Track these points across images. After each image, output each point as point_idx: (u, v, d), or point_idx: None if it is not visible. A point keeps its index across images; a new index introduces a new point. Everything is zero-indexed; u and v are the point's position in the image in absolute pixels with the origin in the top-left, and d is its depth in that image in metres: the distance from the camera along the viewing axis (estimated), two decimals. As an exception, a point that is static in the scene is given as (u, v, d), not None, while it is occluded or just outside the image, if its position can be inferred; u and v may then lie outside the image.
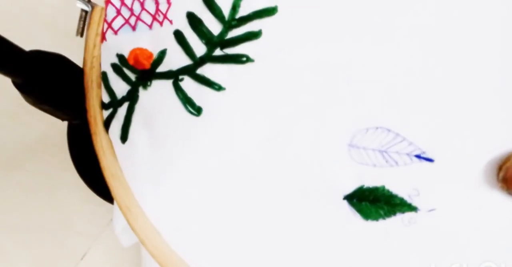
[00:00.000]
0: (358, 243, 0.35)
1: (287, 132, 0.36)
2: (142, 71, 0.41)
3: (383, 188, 0.34)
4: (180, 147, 0.39)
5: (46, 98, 0.45)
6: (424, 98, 0.33)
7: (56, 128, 0.70)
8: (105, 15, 0.43)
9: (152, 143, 0.41)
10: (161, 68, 0.40)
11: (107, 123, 0.43)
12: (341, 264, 0.35)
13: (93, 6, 0.44)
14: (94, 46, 0.43)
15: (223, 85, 0.38)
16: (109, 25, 0.42)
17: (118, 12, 0.42)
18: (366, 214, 0.35)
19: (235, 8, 0.37)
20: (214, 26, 0.38)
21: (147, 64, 0.40)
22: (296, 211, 0.36)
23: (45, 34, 0.70)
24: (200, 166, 0.39)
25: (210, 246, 0.39)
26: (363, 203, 0.35)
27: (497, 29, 0.32)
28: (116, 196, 0.42)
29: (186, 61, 0.39)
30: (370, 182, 0.34)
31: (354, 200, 0.35)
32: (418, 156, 0.33)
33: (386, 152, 0.34)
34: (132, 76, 0.41)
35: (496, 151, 0.31)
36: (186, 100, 0.39)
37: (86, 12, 0.44)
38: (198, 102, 0.38)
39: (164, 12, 0.40)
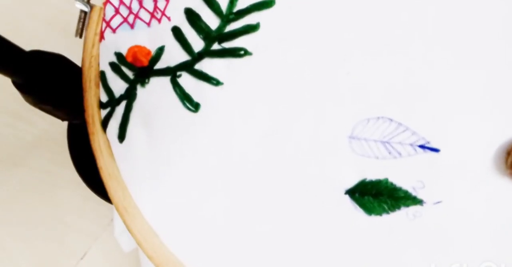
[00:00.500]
0: (362, 240, 0.33)
1: (286, 126, 0.35)
2: (140, 69, 0.40)
3: (386, 181, 0.33)
4: (179, 145, 0.38)
5: (46, 98, 0.45)
6: (427, 85, 0.32)
7: (57, 126, 0.70)
8: (104, 15, 0.43)
9: (150, 141, 0.40)
10: (159, 65, 0.40)
11: (104, 123, 0.42)
12: (343, 262, 0.34)
13: (92, 6, 0.44)
14: (93, 45, 0.43)
15: (221, 80, 0.37)
16: (108, 24, 0.42)
17: (117, 11, 0.42)
18: (369, 209, 0.33)
19: (233, 1, 0.37)
20: (212, 21, 0.38)
21: (145, 61, 0.40)
22: (296, 208, 0.35)
23: (45, 34, 0.71)
24: (199, 164, 0.38)
25: (210, 247, 0.37)
26: (366, 197, 0.33)
27: (503, 14, 0.32)
28: (113, 197, 0.41)
29: (184, 57, 0.39)
30: (372, 175, 0.33)
31: (356, 195, 0.33)
32: (422, 146, 0.32)
33: (388, 142, 0.32)
34: (130, 74, 0.41)
35: (504, 137, 0.30)
36: (184, 97, 0.38)
37: (85, 13, 0.44)
38: (196, 98, 0.38)
39: (162, 9, 0.40)
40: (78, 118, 0.47)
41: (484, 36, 0.32)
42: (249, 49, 0.36)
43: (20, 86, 0.44)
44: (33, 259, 0.68)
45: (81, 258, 0.67)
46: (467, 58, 0.32)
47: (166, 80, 0.39)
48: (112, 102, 0.42)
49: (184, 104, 0.38)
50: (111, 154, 0.42)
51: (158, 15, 0.40)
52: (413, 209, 0.32)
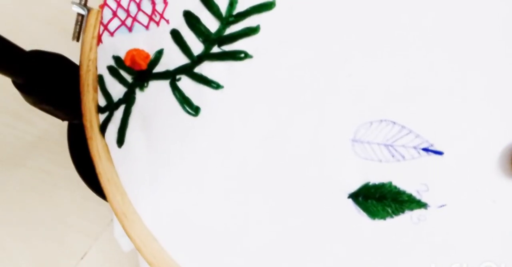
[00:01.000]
0: (365, 244, 0.33)
1: (287, 130, 0.35)
2: (138, 72, 0.40)
3: (390, 184, 0.32)
4: (178, 149, 0.38)
5: (46, 98, 0.45)
6: (429, 87, 0.32)
7: (57, 126, 0.70)
8: (101, 18, 0.42)
9: (149, 146, 0.39)
10: (158, 69, 0.39)
11: (103, 127, 0.41)
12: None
13: (89, 10, 0.43)
14: (90, 49, 0.43)
15: (221, 83, 0.37)
16: (105, 27, 0.42)
17: (114, 14, 0.42)
18: (373, 213, 0.33)
19: (232, 4, 0.37)
20: (211, 24, 0.38)
21: (144, 65, 0.39)
22: (298, 213, 0.35)
23: (45, 34, 0.70)
24: (199, 168, 0.37)
25: (210, 252, 0.37)
26: (369, 201, 0.33)
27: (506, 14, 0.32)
28: (112, 202, 0.40)
29: (183, 60, 0.38)
30: (376, 178, 0.33)
31: (360, 198, 0.33)
32: (426, 149, 0.31)
33: (392, 145, 0.32)
34: (129, 78, 0.40)
35: (508, 139, 0.30)
36: (184, 100, 0.38)
37: (82, 16, 0.43)
38: (196, 102, 0.37)
39: (161, 12, 0.40)
40: (78, 119, 0.47)
41: (486, 37, 0.32)
42: (249, 52, 0.36)
43: (20, 86, 0.43)
44: (33, 259, 0.68)
45: (81, 258, 0.67)
46: (469, 59, 0.32)
47: (165, 84, 0.39)
48: (111, 106, 0.41)
49: (183, 108, 0.38)
50: (110, 158, 0.41)
51: (157, 18, 0.40)
52: (417, 212, 0.32)
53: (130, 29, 0.41)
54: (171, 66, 0.39)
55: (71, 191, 0.69)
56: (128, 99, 0.40)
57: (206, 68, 0.37)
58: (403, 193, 0.32)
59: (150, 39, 0.40)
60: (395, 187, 0.32)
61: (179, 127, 0.38)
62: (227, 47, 0.37)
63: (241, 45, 0.36)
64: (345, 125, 0.33)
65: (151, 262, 0.38)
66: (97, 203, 0.66)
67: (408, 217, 0.32)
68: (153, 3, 0.40)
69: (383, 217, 0.33)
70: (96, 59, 0.43)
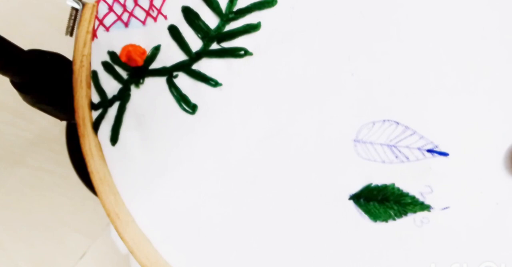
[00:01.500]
0: (366, 247, 0.32)
1: (288, 129, 0.34)
2: (134, 69, 0.39)
3: (392, 186, 0.32)
4: (174, 148, 0.37)
5: (45, 97, 0.44)
6: (434, 88, 0.31)
7: (58, 124, 0.69)
8: (97, 12, 0.41)
9: (144, 145, 0.38)
10: (154, 65, 0.38)
11: (96, 125, 0.40)
12: (348, 270, 0.32)
13: (84, 4, 0.42)
14: (84, 44, 0.41)
15: (220, 80, 0.36)
16: (101, 22, 0.41)
17: (110, 9, 0.40)
18: (375, 215, 0.32)
19: (233, 0, 0.36)
20: (211, 20, 0.37)
21: (140, 61, 0.38)
22: (298, 214, 0.34)
23: (44, 33, 0.69)
24: (196, 168, 0.36)
25: (207, 255, 0.36)
26: (371, 203, 0.32)
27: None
28: (104, 202, 0.39)
29: (181, 56, 0.37)
30: (378, 180, 0.32)
31: (361, 200, 0.32)
32: (431, 151, 0.31)
33: (395, 146, 0.31)
34: (124, 74, 0.39)
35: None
36: (181, 98, 0.37)
37: (76, 10, 0.42)
38: (193, 100, 0.36)
39: (158, 7, 0.39)
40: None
41: (491, 37, 0.32)
42: (249, 49, 0.35)
43: (18, 85, 0.42)
44: (32, 258, 0.67)
45: (80, 258, 0.66)
46: (475, 60, 0.31)
47: (162, 80, 0.38)
48: (104, 103, 0.40)
49: (180, 105, 0.37)
50: (103, 157, 0.40)
51: (154, 14, 0.39)
52: (420, 215, 0.31)
53: (126, 24, 0.40)
54: (168, 63, 0.38)
55: (71, 190, 0.68)
56: (123, 96, 0.39)
57: (204, 65, 0.36)
58: (406, 195, 0.31)
59: (147, 35, 0.39)
60: (398, 189, 0.31)
61: (175, 126, 0.37)
62: (226, 44, 0.36)
63: (241, 42, 0.36)
64: (347, 125, 0.33)
65: (145, 264, 0.37)
66: (96, 203, 0.65)
67: (411, 219, 0.31)
68: (151, -2, 0.39)
69: (385, 220, 0.32)
70: (90, 54, 0.41)
